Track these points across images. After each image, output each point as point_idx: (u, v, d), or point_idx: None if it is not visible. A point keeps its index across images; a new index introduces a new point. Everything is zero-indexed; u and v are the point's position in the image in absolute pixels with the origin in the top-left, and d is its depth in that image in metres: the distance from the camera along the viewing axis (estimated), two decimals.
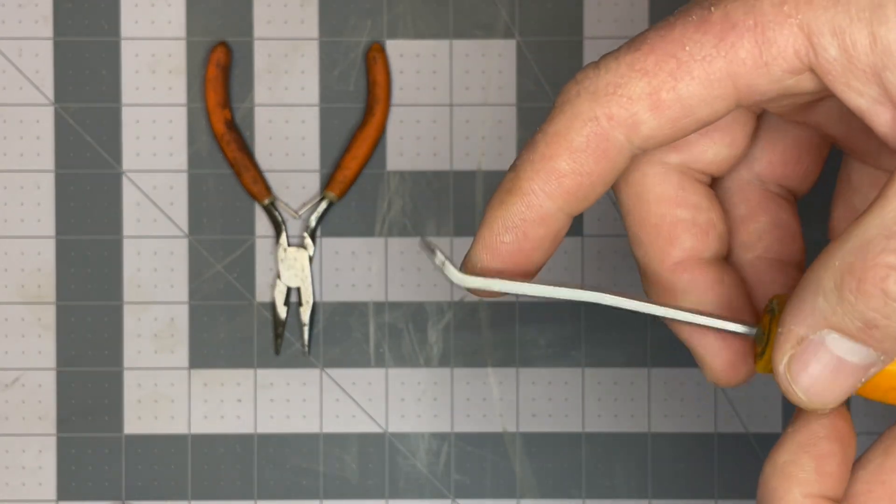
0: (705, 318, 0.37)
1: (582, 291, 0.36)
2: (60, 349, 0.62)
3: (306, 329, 0.62)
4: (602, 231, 0.62)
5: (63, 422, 0.62)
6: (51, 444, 0.62)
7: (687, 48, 0.34)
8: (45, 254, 0.62)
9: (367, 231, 0.62)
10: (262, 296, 0.62)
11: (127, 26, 0.62)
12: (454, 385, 0.62)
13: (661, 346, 0.62)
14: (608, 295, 0.36)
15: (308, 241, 0.62)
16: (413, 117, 0.62)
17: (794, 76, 0.34)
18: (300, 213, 0.62)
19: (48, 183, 0.62)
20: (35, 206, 0.62)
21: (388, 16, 0.62)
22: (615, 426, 0.62)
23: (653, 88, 0.35)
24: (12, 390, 0.62)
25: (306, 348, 0.62)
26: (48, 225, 0.62)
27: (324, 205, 0.62)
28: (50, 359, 0.62)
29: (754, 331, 0.37)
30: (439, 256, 0.35)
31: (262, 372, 0.62)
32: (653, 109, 0.35)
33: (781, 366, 0.35)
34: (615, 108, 0.35)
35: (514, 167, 0.36)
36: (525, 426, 0.62)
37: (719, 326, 0.37)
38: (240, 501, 0.62)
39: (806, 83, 0.35)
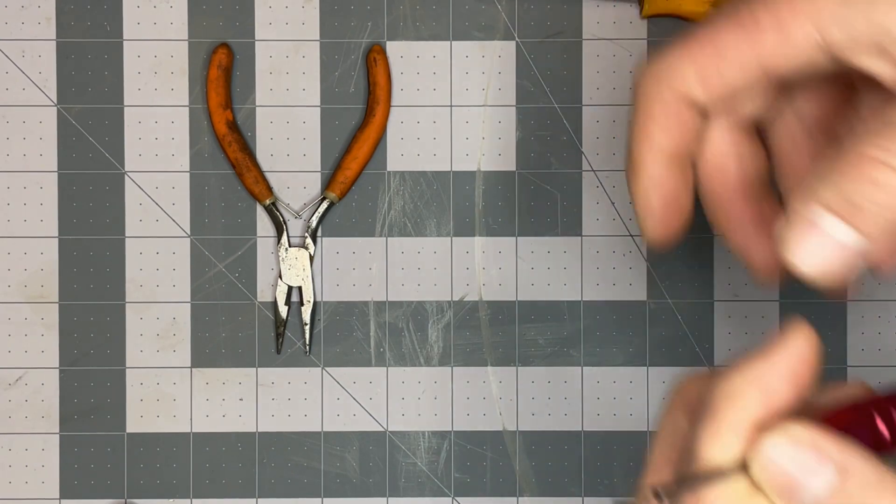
0: None
1: None
2: (63, 348, 0.62)
3: (307, 328, 0.62)
4: (602, 231, 0.62)
5: (66, 420, 0.62)
6: (54, 443, 0.62)
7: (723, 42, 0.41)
8: (48, 254, 0.62)
9: (367, 231, 0.62)
10: (263, 295, 0.62)
11: (129, 28, 0.62)
12: (454, 384, 0.62)
13: (659, 345, 0.62)
14: None
15: (309, 240, 0.62)
16: (413, 118, 0.62)
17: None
18: (301, 213, 0.62)
19: (51, 183, 0.62)
20: (38, 206, 0.62)
21: (389, 17, 0.62)
22: (614, 425, 0.62)
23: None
24: (15, 389, 0.62)
25: (307, 347, 0.62)
26: (51, 225, 0.62)
27: (325, 205, 0.62)
28: (53, 358, 0.62)
29: None
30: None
31: (263, 371, 0.62)
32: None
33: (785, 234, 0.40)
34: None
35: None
36: (524, 425, 0.62)
37: None
38: (241, 500, 0.62)
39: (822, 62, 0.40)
